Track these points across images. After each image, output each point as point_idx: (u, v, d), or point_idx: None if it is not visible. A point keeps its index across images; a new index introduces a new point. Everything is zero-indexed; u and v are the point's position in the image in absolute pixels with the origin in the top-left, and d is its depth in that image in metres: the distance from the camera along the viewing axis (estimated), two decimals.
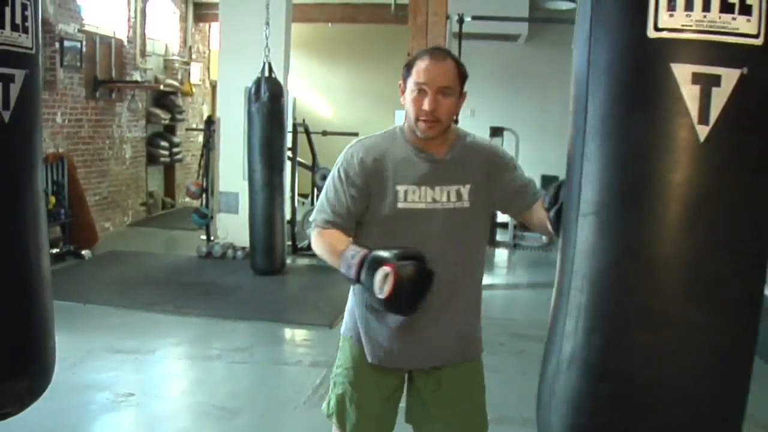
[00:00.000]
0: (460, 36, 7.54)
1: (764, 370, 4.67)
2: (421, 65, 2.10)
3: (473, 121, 9.42)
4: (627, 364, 1.59)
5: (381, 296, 1.90)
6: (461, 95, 2.17)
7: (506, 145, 9.33)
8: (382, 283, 1.89)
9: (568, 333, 1.67)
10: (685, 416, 1.58)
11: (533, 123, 10.09)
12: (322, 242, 2.20)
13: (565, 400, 1.68)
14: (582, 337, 1.63)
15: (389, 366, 2.27)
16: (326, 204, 2.22)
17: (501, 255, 8.79)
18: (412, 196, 2.15)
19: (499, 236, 8.99)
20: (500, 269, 8.30)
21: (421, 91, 2.09)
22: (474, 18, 7.73)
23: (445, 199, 2.17)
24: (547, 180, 9.85)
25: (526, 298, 7.09)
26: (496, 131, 9.36)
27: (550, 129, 10.31)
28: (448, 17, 6.82)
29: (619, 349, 1.59)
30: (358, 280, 1.98)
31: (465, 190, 2.20)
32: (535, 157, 9.76)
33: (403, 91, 2.17)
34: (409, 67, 2.14)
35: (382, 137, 2.26)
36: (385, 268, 1.89)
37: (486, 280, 7.65)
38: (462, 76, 2.15)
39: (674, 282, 1.55)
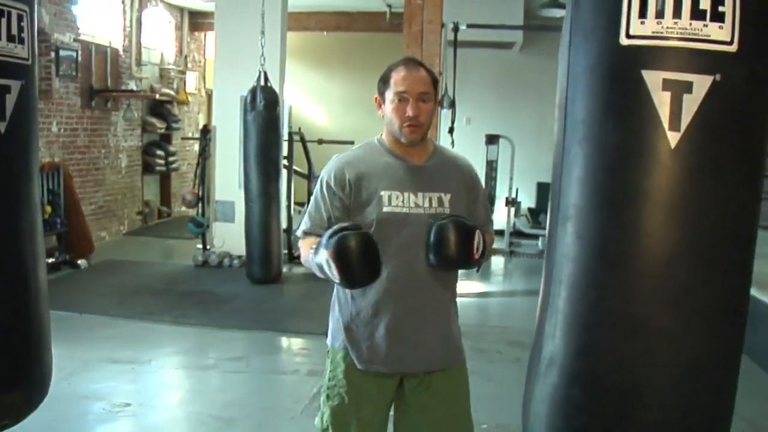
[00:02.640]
0: (455, 44, 7.56)
1: (763, 378, 4.69)
2: (398, 76, 2.22)
3: (469, 129, 9.44)
4: (599, 369, 1.60)
5: (337, 280, 2.07)
6: (436, 100, 2.30)
7: (502, 152, 9.35)
8: (330, 270, 2.04)
9: (548, 337, 1.69)
10: (658, 423, 1.57)
11: (529, 130, 10.11)
12: (302, 252, 2.33)
13: (544, 405, 1.70)
14: (559, 341, 1.65)
15: (383, 371, 2.29)
16: (308, 217, 2.34)
17: (497, 263, 8.80)
18: (395, 201, 2.22)
19: (495, 244, 8.99)
20: (496, 277, 8.30)
21: (402, 100, 2.20)
22: (469, 26, 7.76)
23: (427, 204, 2.24)
24: (542, 187, 9.88)
25: (523, 306, 7.08)
26: (491, 139, 9.38)
27: (545, 137, 10.31)
28: (443, 25, 6.83)
29: (592, 354, 1.61)
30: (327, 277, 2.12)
31: (446, 198, 2.27)
32: (530, 165, 9.78)
33: (380, 104, 2.29)
34: (385, 80, 2.25)
35: (362, 149, 2.37)
36: (324, 255, 2.05)
37: (482, 287, 7.63)
38: (435, 82, 2.28)
39: (645, 288, 1.55)
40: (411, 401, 2.32)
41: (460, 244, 2.13)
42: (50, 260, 7.05)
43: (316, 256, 2.12)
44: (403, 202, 2.22)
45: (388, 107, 2.23)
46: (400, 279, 2.22)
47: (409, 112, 2.18)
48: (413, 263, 2.21)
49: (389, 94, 2.23)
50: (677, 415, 1.57)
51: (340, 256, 2.02)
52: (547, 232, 1.79)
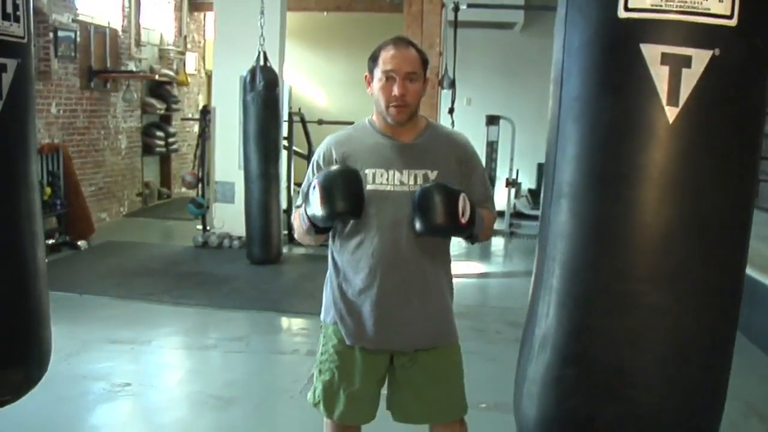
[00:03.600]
0: (455, 24, 7.52)
1: (762, 359, 4.70)
2: (386, 54, 2.22)
3: (469, 110, 9.41)
4: (592, 348, 1.59)
5: (320, 211, 2.15)
6: (425, 81, 2.28)
7: (503, 133, 9.32)
8: (314, 197, 2.15)
9: (541, 316, 1.68)
10: (651, 403, 1.56)
11: (529, 111, 10.05)
12: (295, 221, 2.39)
13: (536, 385, 1.68)
14: (552, 321, 1.64)
15: (371, 348, 2.31)
16: (301, 194, 2.36)
17: (497, 243, 8.80)
18: (380, 179, 2.23)
19: (496, 225, 8.97)
20: (496, 257, 8.30)
21: (389, 79, 2.20)
22: (469, 6, 7.72)
23: (412, 182, 2.24)
24: (543, 168, 9.88)
25: (523, 286, 7.00)
26: (492, 120, 9.34)
27: (546, 117, 10.25)
28: (443, 5, 6.80)
29: (586, 332, 1.60)
30: (311, 221, 2.22)
31: (432, 175, 2.25)
32: (531, 146, 9.74)
33: (370, 82, 2.29)
34: (374, 58, 2.25)
35: (353, 129, 2.40)
36: (313, 184, 2.17)
37: (482, 268, 7.63)
38: (424, 62, 2.27)
39: (640, 266, 1.53)
40: (401, 378, 2.34)
41: (443, 207, 2.13)
42: (50, 241, 7.07)
43: (306, 203, 2.23)
44: (387, 179, 2.23)
45: (376, 86, 2.24)
46: (385, 256, 2.24)
47: (395, 91, 2.18)
48: (398, 240, 2.23)
49: (377, 72, 2.23)
50: (671, 395, 1.56)
51: (325, 181, 2.14)
52: (540, 209, 1.77)
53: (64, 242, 7.38)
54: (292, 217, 2.45)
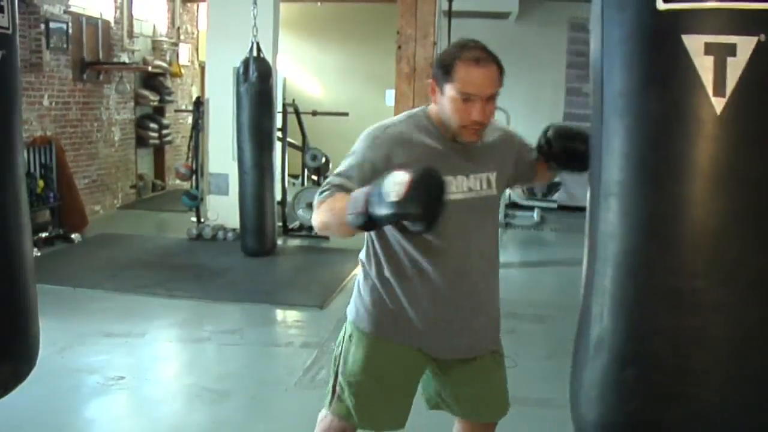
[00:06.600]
0: (449, 14, 7.48)
1: None
2: (467, 74, 1.93)
3: None
4: (651, 348, 1.55)
5: (392, 198, 1.70)
6: None
7: None
8: (393, 186, 1.72)
9: (595, 318, 1.65)
10: (713, 402, 1.52)
11: (524, 101, 10.04)
12: (324, 206, 1.99)
13: (594, 388, 1.65)
14: (608, 323, 1.61)
15: (430, 353, 2.20)
16: (341, 177, 2.03)
17: None
18: (450, 188, 1.98)
19: None
20: None
21: (467, 100, 1.94)
22: None
23: (479, 187, 2.10)
24: None
25: (518, 278, 7.09)
26: None
27: (541, 108, 10.26)
28: None
29: (643, 332, 1.56)
30: (366, 210, 1.77)
31: (493, 177, 2.13)
32: (525, 136, 9.66)
33: (435, 90, 2.02)
34: (447, 71, 1.96)
35: (405, 125, 2.09)
36: (398, 173, 1.74)
37: None
38: (503, 74, 2.03)
39: (696, 262, 1.50)
40: (459, 381, 2.35)
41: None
42: (44, 234, 7.04)
43: (370, 188, 1.79)
44: (457, 187, 2.04)
45: (447, 104, 1.97)
46: (455, 266, 2.11)
47: (476, 116, 1.94)
48: (469, 249, 2.10)
49: (450, 90, 1.95)
50: (735, 394, 1.52)
51: (422, 178, 1.73)
52: (587, 209, 1.74)
53: (57, 235, 7.33)
54: (317, 206, 2.01)
